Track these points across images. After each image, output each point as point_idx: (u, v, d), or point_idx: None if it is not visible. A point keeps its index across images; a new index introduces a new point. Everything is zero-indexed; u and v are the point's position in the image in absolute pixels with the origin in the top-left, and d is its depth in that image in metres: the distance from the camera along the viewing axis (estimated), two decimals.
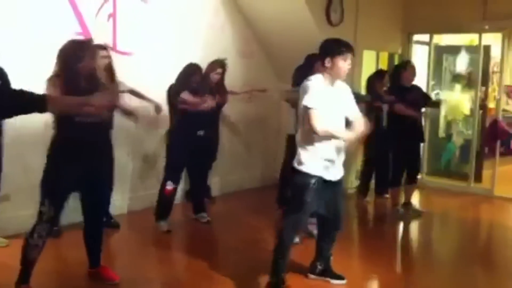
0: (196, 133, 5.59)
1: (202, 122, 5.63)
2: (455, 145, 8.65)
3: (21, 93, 3.26)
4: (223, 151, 7.09)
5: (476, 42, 8.13)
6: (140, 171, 6.40)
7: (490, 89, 8.81)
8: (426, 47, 8.57)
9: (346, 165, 6.80)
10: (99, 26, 5.82)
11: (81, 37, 3.89)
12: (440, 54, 8.72)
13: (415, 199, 6.91)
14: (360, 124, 4.04)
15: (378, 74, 7.27)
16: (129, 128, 6.07)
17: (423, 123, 7.25)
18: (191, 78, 5.51)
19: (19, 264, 3.82)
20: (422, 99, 6.62)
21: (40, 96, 3.31)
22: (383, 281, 4.70)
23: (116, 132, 5.81)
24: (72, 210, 4.22)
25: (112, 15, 5.96)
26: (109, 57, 5.32)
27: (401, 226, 6.43)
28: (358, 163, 7.73)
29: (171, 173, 5.60)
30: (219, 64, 6.20)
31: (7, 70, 4.72)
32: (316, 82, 3.92)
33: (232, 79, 7.05)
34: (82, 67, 3.73)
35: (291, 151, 4.62)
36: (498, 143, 7.92)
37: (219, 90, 6.54)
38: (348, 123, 4.08)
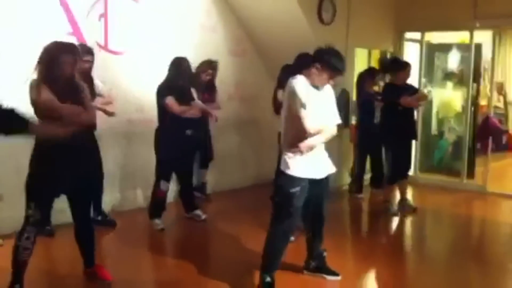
0: (184, 133, 5.59)
1: (190, 122, 5.62)
2: (447, 142, 8.69)
3: (9, 113, 3.30)
4: (217, 150, 7.10)
5: (467, 40, 8.17)
6: (131, 170, 6.39)
7: (481, 87, 8.85)
8: (417, 45, 8.60)
9: (339, 162, 6.90)
10: (91, 26, 5.82)
11: (65, 39, 3.86)
12: (432, 52, 8.75)
13: (408, 196, 6.92)
14: (332, 129, 4.06)
15: (369, 72, 7.29)
16: (118, 127, 6.09)
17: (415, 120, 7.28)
18: (180, 74, 5.49)
19: (11, 266, 3.81)
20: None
21: (24, 121, 3.41)
22: (377, 277, 4.73)
23: (108, 131, 5.83)
24: (65, 210, 4.20)
25: (104, 15, 5.96)
26: (91, 61, 5.32)
27: (394, 222, 6.45)
28: (350, 160, 7.75)
29: (163, 172, 5.60)
30: (209, 66, 6.27)
31: None
32: (300, 82, 3.93)
33: (224, 79, 7.09)
34: (62, 70, 3.72)
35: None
36: (490, 139, 7.95)
37: (209, 89, 6.56)
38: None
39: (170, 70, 5.55)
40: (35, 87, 3.68)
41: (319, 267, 4.42)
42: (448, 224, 6.67)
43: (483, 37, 8.18)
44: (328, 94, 4.13)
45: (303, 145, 3.90)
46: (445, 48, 8.79)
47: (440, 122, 8.80)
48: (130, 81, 6.22)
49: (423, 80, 8.56)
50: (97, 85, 5.42)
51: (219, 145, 7.16)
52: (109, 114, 5.49)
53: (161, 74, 5.62)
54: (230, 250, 5.15)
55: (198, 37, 6.93)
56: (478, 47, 8.21)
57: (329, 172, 4.16)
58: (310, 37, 6.70)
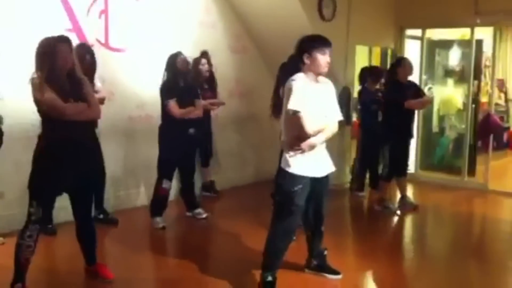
0: (187, 131, 5.58)
1: (193, 120, 5.62)
2: (448, 140, 8.68)
3: None
4: (218, 148, 7.09)
5: (468, 37, 8.15)
6: (133, 167, 6.38)
7: (482, 83, 8.83)
8: (418, 42, 8.58)
9: (340, 160, 6.90)
10: (91, 23, 5.81)
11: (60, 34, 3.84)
12: (433, 49, 8.73)
13: (408, 194, 6.92)
14: (333, 127, 4.03)
15: (374, 72, 7.22)
16: (119, 124, 6.09)
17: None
18: (177, 65, 5.47)
19: (13, 265, 3.81)
20: (419, 95, 6.63)
21: None
22: (378, 275, 4.71)
23: (108, 128, 5.83)
24: (67, 207, 4.19)
25: (104, 12, 5.94)
26: (91, 59, 5.31)
27: (395, 220, 6.45)
28: (352, 158, 7.75)
29: (165, 170, 5.59)
30: (200, 56, 6.28)
31: None
32: (299, 82, 3.87)
33: (224, 76, 7.08)
34: (60, 60, 3.70)
35: None
36: (491, 137, 7.94)
37: (211, 86, 6.56)
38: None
39: (166, 69, 5.52)
40: (37, 87, 3.67)
41: (320, 265, 4.42)
42: (449, 222, 6.66)
43: (484, 33, 8.16)
44: (329, 89, 4.09)
45: (305, 144, 3.89)
46: (446, 44, 8.78)
47: (441, 119, 8.78)
48: (130, 78, 6.21)
49: (424, 77, 8.54)
50: (95, 83, 5.39)
51: (219, 143, 7.16)
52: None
53: (161, 71, 5.61)
54: (231, 249, 5.14)
55: (198, 34, 6.91)
56: (479, 43, 8.19)
57: (329, 171, 4.15)
58: (310, 33, 6.67)
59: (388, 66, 7.69)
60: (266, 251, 4.07)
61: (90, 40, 5.77)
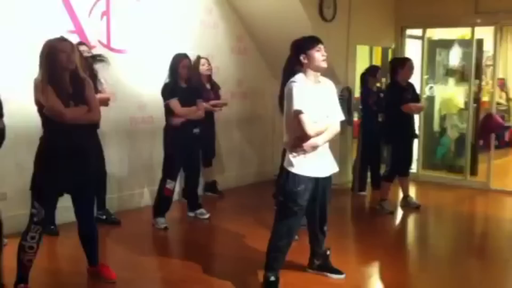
0: (192, 131, 5.59)
1: (197, 120, 5.63)
2: (450, 139, 8.68)
3: None
4: (220, 148, 7.10)
5: (468, 36, 8.16)
6: (135, 168, 6.39)
7: (483, 83, 8.84)
8: (419, 42, 8.58)
9: (341, 160, 6.90)
10: (93, 25, 5.82)
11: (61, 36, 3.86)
12: (433, 48, 8.74)
13: (411, 193, 6.92)
14: (335, 127, 4.03)
15: (371, 70, 7.28)
16: (121, 125, 6.10)
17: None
18: (179, 70, 5.47)
19: (16, 265, 3.82)
20: (417, 98, 6.64)
21: None
22: (381, 274, 4.72)
23: (111, 130, 5.84)
24: (70, 208, 4.20)
25: (106, 13, 5.95)
26: (89, 51, 5.34)
27: (397, 220, 6.45)
28: (353, 158, 7.75)
29: (169, 170, 5.59)
30: (199, 57, 6.30)
31: None
32: (299, 83, 3.89)
33: (226, 76, 7.09)
34: (61, 64, 3.71)
35: None
36: (493, 136, 7.94)
37: (212, 88, 6.58)
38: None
39: (169, 71, 5.53)
40: (39, 88, 3.68)
41: (323, 265, 4.42)
42: (451, 221, 6.66)
43: (485, 33, 8.16)
44: (329, 90, 4.10)
45: (307, 145, 3.89)
46: (447, 44, 8.79)
47: (442, 119, 8.79)
48: (132, 79, 6.22)
49: (425, 76, 8.54)
50: (100, 82, 5.40)
51: (221, 143, 7.17)
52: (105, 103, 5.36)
53: (163, 71, 5.62)
54: (234, 249, 5.15)
55: (200, 35, 6.92)
56: (480, 42, 8.20)
57: (333, 171, 4.15)
58: (311, 34, 6.63)
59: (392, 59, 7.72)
60: (269, 251, 4.08)
61: (92, 41, 5.78)
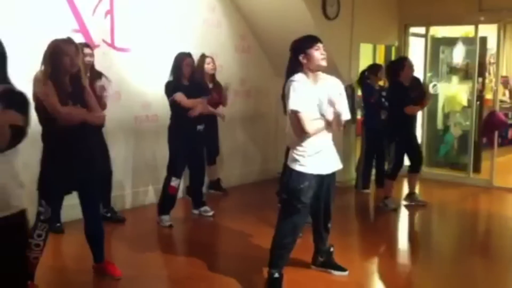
0: (196, 128, 5.62)
1: (201, 117, 5.66)
2: (453, 137, 8.68)
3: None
4: (224, 147, 7.12)
5: (472, 34, 8.15)
6: (139, 166, 6.42)
7: (487, 80, 8.83)
8: (422, 39, 8.58)
9: (344, 157, 6.91)
10: (97, 23, 5.84)
11: (67, 36, 3.88)
12: (437, 46, 8.74)
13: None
14: (337, 122, 4.00)
15: (373, 68, 7.27)
16: (125, 124, 6.12)
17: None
18: (183, 68, 5.49)
19: None
20: (423, 94, 6.63)
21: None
22: (384, 271, 4.74)
23: (115, 128, 5.87)
24: (75, 207, 4.24)
25: (109, 12, 5.98)
26: (92, 55, 5.33)
27: (401, 217, 6.46)
28: (357, 156, 7.77)
29: (174, 168, 5.62)
30: (204, 56, 6.32)
31: None
32: (299, 82, 3.90)
33: (229, 75, 7.11)
34: (64, 64, 3.73)
35: None
36: (496, 133, 7.95)
37: (215, 87, 6.59)
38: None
39: (172, 68, 5.55)
40: (41, 82, 3.70)
41: (327, 262, 4.44)
42: (455, 218, 6.67)
43: (488, 30, 8.16)
44: (333, 88, 4.06)
45: (311, 129, 3.88)
46: (450, 42, 8.78)
47: (446, 116, 8.79)
48: (136, 78, 6.24)
49: (429, 74, 8.55)
50: (103, 81, 5.42)
51: (224, 141, 7.19)
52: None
53: (167, 70, 5.64)
54: (238, 246, 5.17)
55: (203, 33, 6.94)
56: (483, 40, 8.19)
57: (336, 168, 4.17)
58: (314, 32, 6.54)
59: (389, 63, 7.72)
60: (273, 248, 4.10)
61: (96, 40, 5.80)
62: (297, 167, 3.95)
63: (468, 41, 8.48)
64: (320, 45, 3.97)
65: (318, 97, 3.94)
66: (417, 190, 6.91)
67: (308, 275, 4.40)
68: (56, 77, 3.72)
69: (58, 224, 5.15)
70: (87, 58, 5.18)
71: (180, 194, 6.19)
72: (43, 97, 3.68)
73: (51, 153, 3.82)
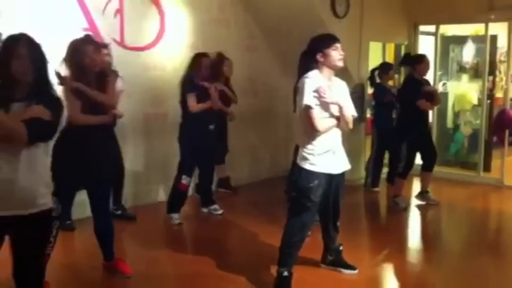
0: (208, 127, 5.63)
1: (212, 116, 5.68)
2: (463, 135, 8.65)
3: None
4: (233, 145, 7.13)
5: (482, 32, 8.11)
6: (150, 164, 6.44)
7: (497, 79, 8.79)
8: (432, 38, 8.55)
9: (354, 156, 6.90)
10: (107, 22, 5.87)
11: (86, 34, 3.93)
12: (447, 45, 8.71)
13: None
14: (344, 118, 3.99)
15: (383, 67, 7.25)
16: (136, 122, 6.14)
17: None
18: (201, 69, 5.52)
19: None
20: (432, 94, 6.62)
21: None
22: (393, 270, 4.73)
23: (126, 126, 5.89)
24: (85, 204, 4.27)
25: (119, 11, 6.00)
26: (109, 55, 5.36)
27: (410, 216, 6.45)
28: (366, 154, 7.75)
29: (185, 166, 5.64)
30: (223, 56, 6.32)
31: None
32: (313, 79, 3.91)
33: (238, 73, 7.10)
34: (86, 62, 3.78)
35: None
36: (507, 132, 7.90)
37: (227, 86, 6.61)
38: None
39: (189, 66, 5.58)
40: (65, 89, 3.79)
41: (336, 261, 4.45)
42: (465, 217, 6.65)
43: (498, 28, 8.11)
44: (342, 89, 4.11)
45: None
46: (460, 40, 8.74)
47: (456, 115, 8.76)
48: (145, 77, 6.26)
49: (439, 73, 8.51)
50: (119, 80, 5.45)
51: (233, 139, 7.19)
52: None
53: (177, 68, 5.66)
54: (247, 244, 5.18)
55: (212, 32, 6.94)
56: (494, 38, 8.15)
57: (345, 169, 4.17)
58: (324, 30, 6.57)
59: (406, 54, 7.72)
60: (282, 246, 4.10)
61: (106, 39, 5.82)
62: (307, 166, 3.95)
63: (478, 39, 8.44)
64: (338, 45, 3.97)
65: (333, 93, 3.94)
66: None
67: (318, 273, 4.41)
68: (80, 75, 3.77)
69: (69, 222, 5.18)
70: (105, 58, 5.22)
71: (189, 192, 6.20)
72: (65, 100, 3.74)
73: (63, 150, 3.84)
